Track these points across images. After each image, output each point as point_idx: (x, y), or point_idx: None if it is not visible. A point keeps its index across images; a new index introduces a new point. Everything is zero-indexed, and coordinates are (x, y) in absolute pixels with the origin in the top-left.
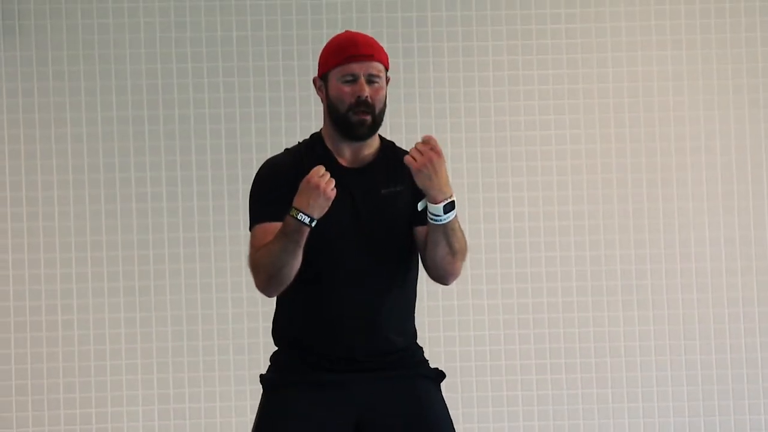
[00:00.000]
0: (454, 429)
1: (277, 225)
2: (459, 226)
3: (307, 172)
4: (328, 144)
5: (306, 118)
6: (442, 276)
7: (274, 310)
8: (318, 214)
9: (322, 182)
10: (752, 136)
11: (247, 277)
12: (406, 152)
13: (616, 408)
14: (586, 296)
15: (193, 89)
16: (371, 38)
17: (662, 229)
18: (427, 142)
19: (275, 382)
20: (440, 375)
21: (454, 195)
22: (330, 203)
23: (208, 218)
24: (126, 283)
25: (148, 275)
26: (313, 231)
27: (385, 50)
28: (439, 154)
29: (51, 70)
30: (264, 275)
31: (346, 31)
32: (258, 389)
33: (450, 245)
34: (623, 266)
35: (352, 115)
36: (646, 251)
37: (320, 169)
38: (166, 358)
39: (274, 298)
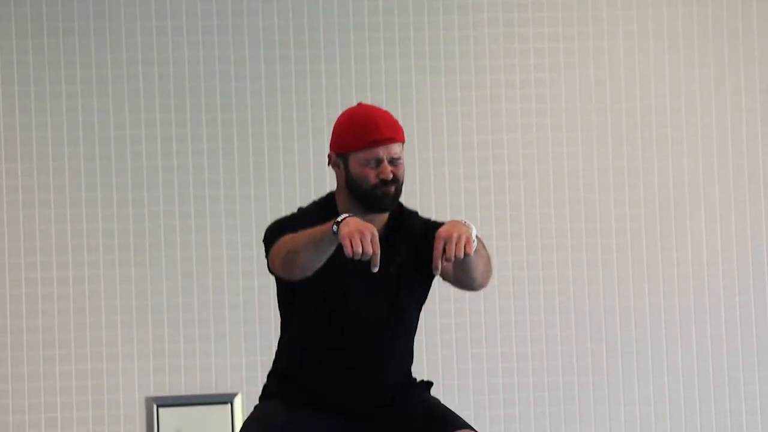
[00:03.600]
0: (447, 408)
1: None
2: (481, 245)
3: None
4: (341, 212)
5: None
6: (476, 288)
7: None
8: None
9: (366, 247)
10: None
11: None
12: (412, 213)
13: None
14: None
15: (191, 140)
16: (389, 116)
17: (662, 280)
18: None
19: (273, 393)
20: (428, 384)
21: (471, 229)
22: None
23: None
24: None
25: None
26: (324, 294)
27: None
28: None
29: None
30: (286, 256)
31: (364, 109)
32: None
33: (482, 266)
34: (623, 317)
35: (377, 190)
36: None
37: (375, 236)
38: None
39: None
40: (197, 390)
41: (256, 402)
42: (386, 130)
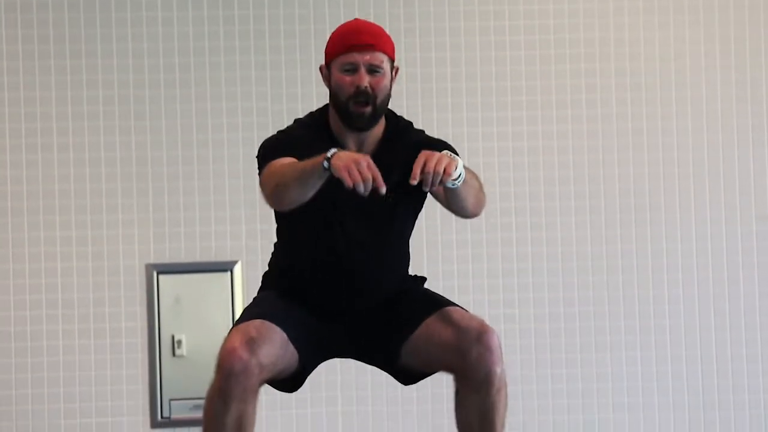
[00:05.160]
0: (436, 295)
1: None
2: (471, 176)
3: (317, 152)
4: (334, 130)
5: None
6: (469, 215)
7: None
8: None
9: (364, 174)
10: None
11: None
12: (407, 126)
13: None
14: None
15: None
16: (377, 27)
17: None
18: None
19: (272, 286)
20: (422, 279)
21: (457, 159)
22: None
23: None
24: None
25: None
26: (319, 222)
27: (392, 40)
28: (438, 171)
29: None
30: (275, 189)
31: (354, 20)
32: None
33: (472, 197)
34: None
35: (351, 105)
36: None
37: (370, 161)
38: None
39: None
40: (197, 258)
41: (256, 270)
42: (367, 36)
